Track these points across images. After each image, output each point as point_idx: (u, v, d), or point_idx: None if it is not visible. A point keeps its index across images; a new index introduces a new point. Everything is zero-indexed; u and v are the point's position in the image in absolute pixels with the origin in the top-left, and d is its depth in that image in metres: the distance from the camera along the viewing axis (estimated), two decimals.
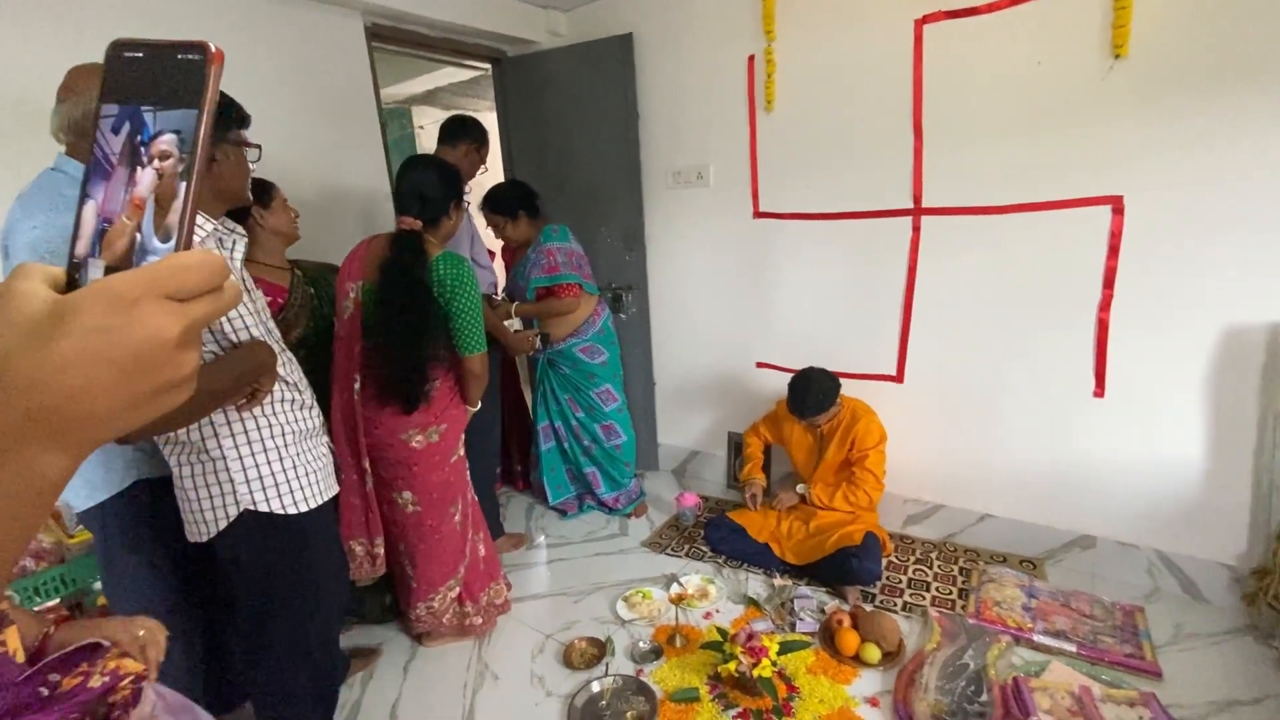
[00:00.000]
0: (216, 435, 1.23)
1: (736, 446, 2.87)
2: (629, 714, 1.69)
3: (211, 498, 1.25)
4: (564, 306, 2.52)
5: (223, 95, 1.24)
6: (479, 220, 2.55)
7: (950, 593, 2.13)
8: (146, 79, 0.32)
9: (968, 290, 2.21)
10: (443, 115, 2.55)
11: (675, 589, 2.18)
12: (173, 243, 0.32)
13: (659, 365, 3.06)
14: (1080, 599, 1.99)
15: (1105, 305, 1.98)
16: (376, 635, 2.08)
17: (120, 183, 0.32)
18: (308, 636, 1.42)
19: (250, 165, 1.29)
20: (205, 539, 1.28)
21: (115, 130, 0.32)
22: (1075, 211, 1.97)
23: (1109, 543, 2.13)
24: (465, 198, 1.84)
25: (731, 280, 2.73)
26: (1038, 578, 2.15)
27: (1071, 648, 1.80)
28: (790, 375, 2.29)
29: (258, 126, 1.32)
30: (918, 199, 2.22)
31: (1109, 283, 1.96)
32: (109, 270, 0.31)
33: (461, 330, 1.70)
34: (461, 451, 1.87)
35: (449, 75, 3.88)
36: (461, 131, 2.41)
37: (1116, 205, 1.90)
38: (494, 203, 2.47)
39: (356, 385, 1.71)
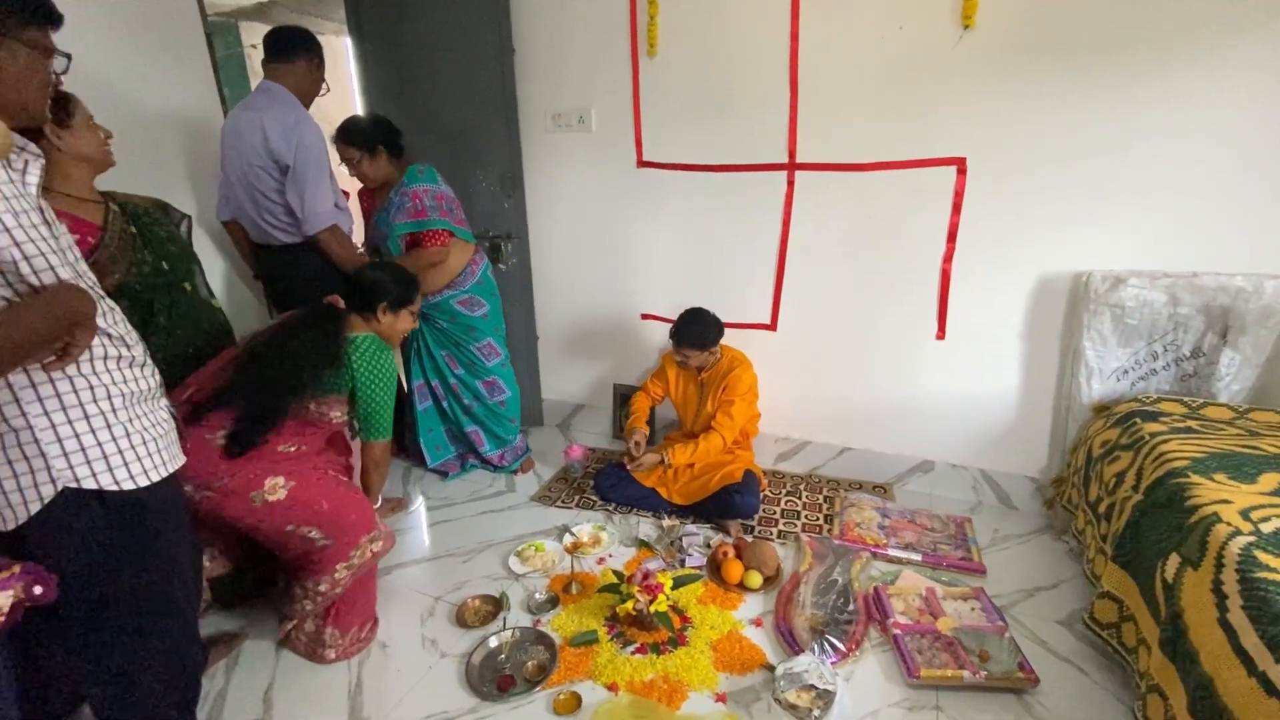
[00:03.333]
0: (18, 400, 1.00)
1: (622, 398, 2.90)
2: (529, 664, 1.68)
3: (16, 476, 1.02)
4: (432, 257, 2.28)
5: None
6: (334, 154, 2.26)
7: (818, 519, 2.34)
8: None
9: (834, 243, 2.36)
10: None
11: (569, 538, 2.19)
12: None
13: (541, 318, 2.98)
14: (922, 515, 2.29)
15: (948, 257, 2.22)
16: (236, 618, 1.88)
17: None
18: (161, 631, 1.24)
19: (53, 77, 1.04)
20: (10, 527, 1.05)
21: None
22: (926, 171, 2.16)
23: (943, 465, 2.46)
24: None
25: (616, 230, 2.69)
26: (888, 500, 2.43)
27: (917, 557, 2.07)
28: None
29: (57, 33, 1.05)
30: (792, 154, 2.31)
31: (952, 237, 2.19)
32: None
33: (366, 415, 1.72)
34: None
35: None
36: (298, 45, 2.08)
37: (961, 166, 2.11)
38: (349, 134, 2.20)
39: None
